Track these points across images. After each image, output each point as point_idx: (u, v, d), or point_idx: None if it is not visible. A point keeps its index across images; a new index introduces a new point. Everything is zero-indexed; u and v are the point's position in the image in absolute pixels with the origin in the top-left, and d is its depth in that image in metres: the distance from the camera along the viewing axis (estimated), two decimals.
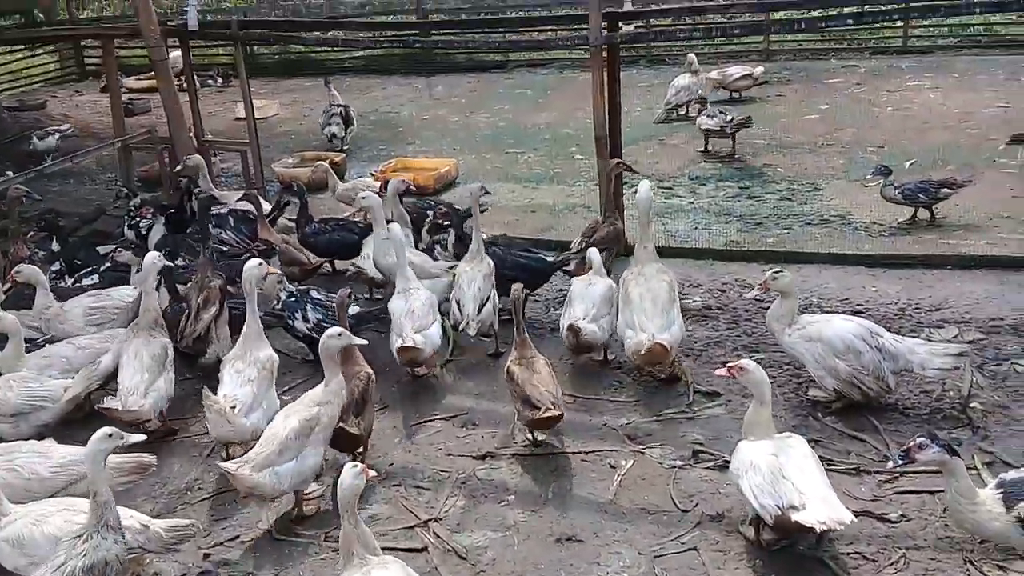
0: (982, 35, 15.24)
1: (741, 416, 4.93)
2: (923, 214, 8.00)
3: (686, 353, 6.05)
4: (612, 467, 4.90)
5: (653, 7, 16.90)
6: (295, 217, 7.95)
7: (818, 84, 13.64)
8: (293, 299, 6.26)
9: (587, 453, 5.04)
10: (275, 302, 6.35)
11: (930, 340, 5.79)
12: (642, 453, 5.00)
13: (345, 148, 11.81)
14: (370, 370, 5.13)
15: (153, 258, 5.87)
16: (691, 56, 12.59)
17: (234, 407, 4.96)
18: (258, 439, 4.67)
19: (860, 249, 7.46)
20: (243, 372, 5.14)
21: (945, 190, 7.81)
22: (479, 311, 6.01)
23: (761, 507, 3.81)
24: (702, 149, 10.80)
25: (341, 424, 4.77)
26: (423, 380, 6.00)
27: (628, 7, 14.55)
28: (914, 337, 5.87)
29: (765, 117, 12.16)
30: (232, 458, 4.81)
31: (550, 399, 4.88)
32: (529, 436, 5.17)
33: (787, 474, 3.82)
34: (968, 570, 3.87)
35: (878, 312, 6.32)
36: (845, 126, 11.24)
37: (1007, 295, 6.40)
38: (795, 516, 3.68)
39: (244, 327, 5.36)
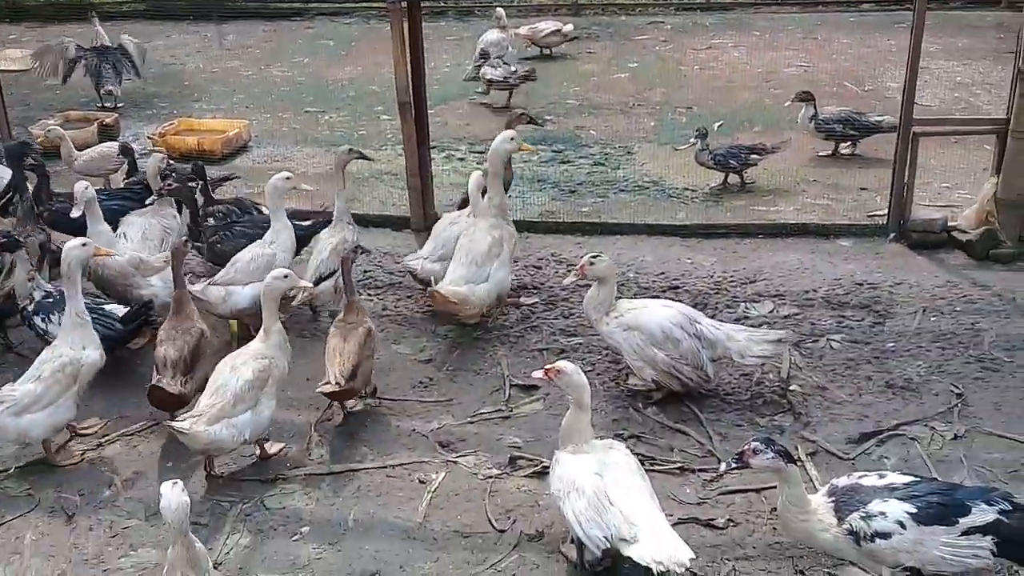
0: None
1: (560, 412, 4.54)
2: (734, 179, 7.92)
3: (501, 341, 5.61)
4: (422, 482, 4.39)
5: None
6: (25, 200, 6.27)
7: (627, 41, 13.48)
8: (50, 300, 5.29)
9: (394, 467, 4.50)
10: (27, 302, 5.36)
11: (747, 317, 5.67)
12: (455, 463, 4.51)
13: (119, 105, 10.49)
14: (204, 326, 4.89)
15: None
16: (499, 10, 12.05)
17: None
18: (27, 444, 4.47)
19: (675, 218, 7.27)
20: (39, 367, 4.56)
21: (755, 156, 7.75)
22: (315, 285, 5.50)
23: (588, 538, 3.42)
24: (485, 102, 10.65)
25: (158, 381, 4.60)
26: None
27: None
28: (731, 313, 5.76)
29: (576, 75, 11.88)
30: None
31: (336, 373, 4.57)
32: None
33: (614, 500, 3.43)
34: None
35: (695, 287, 6.13)
36: (654, 86, 11.10)
37: (818, 265, 6.37)
38: (626, 551, 3.31)
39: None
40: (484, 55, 10.88)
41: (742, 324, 5.33)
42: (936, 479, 3.98)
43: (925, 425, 4.58)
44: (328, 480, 4.44)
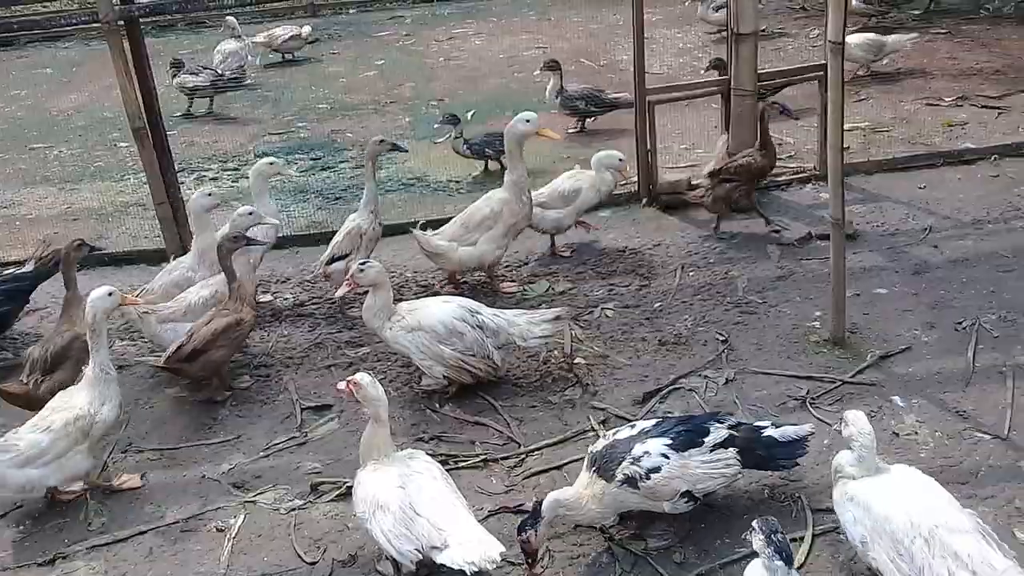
0: None
1: (356, 428, 4.47)
2: (494, 166, 8.07)
3: (285, 364, 5.41)
4: (220, 530, 4.13)
5: None
6: None
7: (370, 39, 13.39)
8: None
9: (187, 520, 4.21)
10: None
11: (525, 299, 5.81)
12: (253, 502, 4.29)
13: None
14: (81, 332, 4.72)
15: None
16: (230, 19, 11.59)
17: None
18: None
19: (444, 211, 7.29)
20: (49, 416, 4.27)
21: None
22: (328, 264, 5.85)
23: (399, 554, 3.36)
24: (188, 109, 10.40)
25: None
26: None
27: None
28: (510, 297, 5.87)
29: (324, 78, 11.66)
30: None
31: (172, 348, 4.89)
32: None
33: (420, 510, 3.39)
34: (611, 548, 3.79)
35: (473, 276, 6.18)
36: (403, 81, 11.11)
37: (583, 237, 6.61)
38: (439, 558, 3.28)
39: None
40: (177, 64, 10.36)
41: (521, 308, 5.45)
42: (673, 415, 4.38)
43: (699, 375, 4.89)
44: (115, 549, 4.08)
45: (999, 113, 8.00)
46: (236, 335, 4.97)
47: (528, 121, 5.74)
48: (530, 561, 3.54)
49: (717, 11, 10.65)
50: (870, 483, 3.33)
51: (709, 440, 3.71)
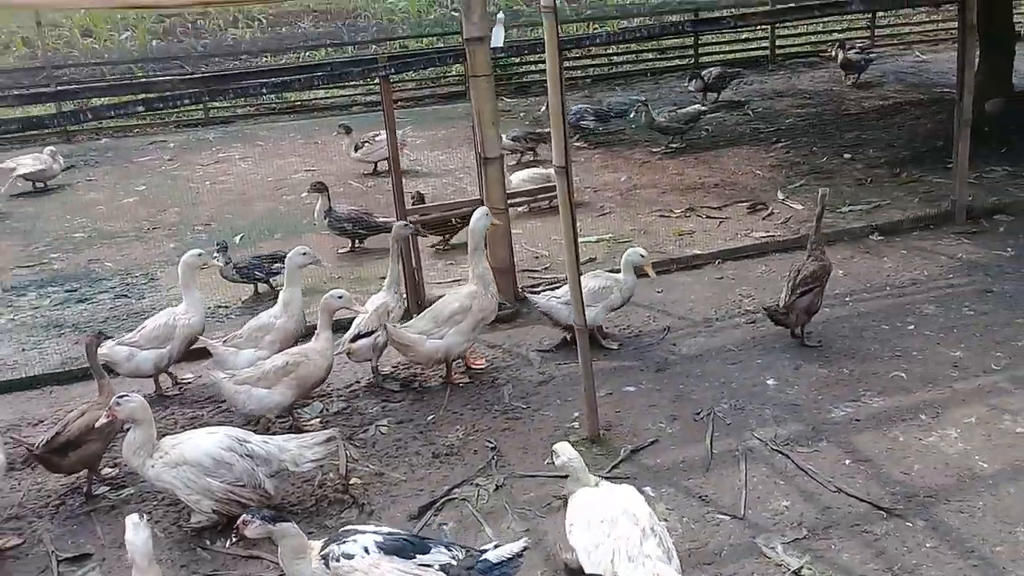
0: (276, 102, 16.29)
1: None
2: (263, 288, 8.09)
3: (39, 515, 5.07)
4: None
5: None
6: None
7: (130, 164, 13.10)
8: None
9: None
10: None
11: (299, 418, 5.83)
12: None
13: None
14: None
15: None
16: None
17: None
18: None
19: (213, 338, 7.19)
20: None
21: (278, 264, 8.00)
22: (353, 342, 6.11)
23: None
24: None
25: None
26: None
27: None
28: (284, 420, 5.87)
29: (81, 206, 11.25)
30: None
31: (42, 439, 5.05)
32: None
33: None
34: None
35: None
36: (167, 207, 10.93)
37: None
38: None
39: None
40: None
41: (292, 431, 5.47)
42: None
43: (471, 484, 5.10)
44: None
45: (720, 222, 9.08)
46: (108, 430, 5.10)
47: (486, 215, 6.20)
48: (237, 540, 3.90)
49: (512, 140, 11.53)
50: (585, 491, 4.13)
51: (422, 558, 3.79)
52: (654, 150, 12.02)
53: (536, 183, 9.47)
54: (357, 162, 11.77)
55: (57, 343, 7.35)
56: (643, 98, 12.88)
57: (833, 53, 15.62)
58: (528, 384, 6.19)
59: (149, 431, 4.73)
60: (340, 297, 5.75)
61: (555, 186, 7.43)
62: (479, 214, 6.23)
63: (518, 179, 9.73)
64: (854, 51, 15.11)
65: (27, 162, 11.78)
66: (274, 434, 5.24)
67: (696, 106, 12.53)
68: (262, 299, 7.98)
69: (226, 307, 7.94)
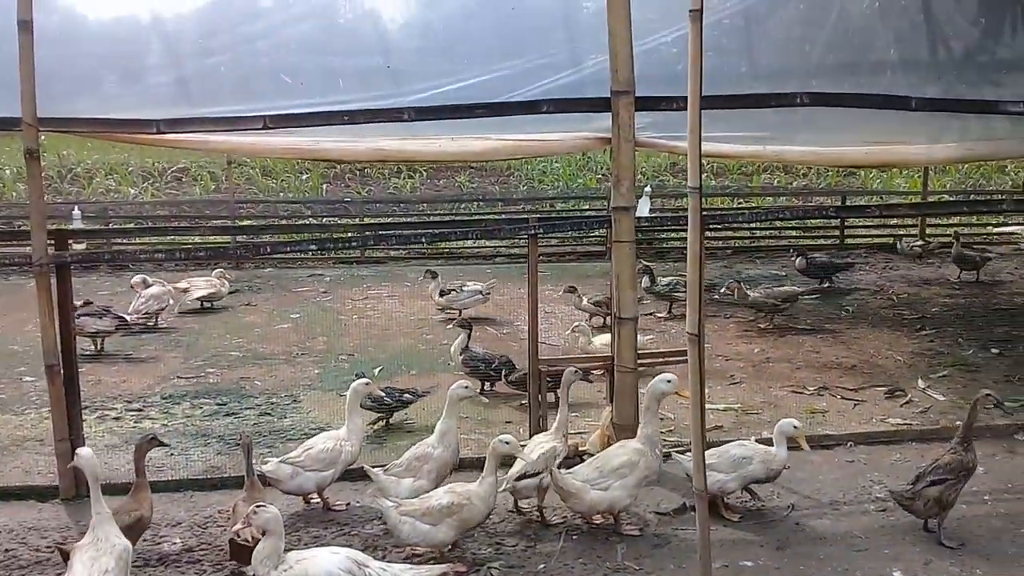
0: (426, 248, 17.24)
1: None
2: (396, 419, 8.46)
3: None
4: None
5: (111, 224, 16.24)
6: None
7: (288, 293, 14.07)
8: None
9: None
10: None
11: (416, 555, 5.97)
12: None
13: None
14: (147, 512, 5.74)
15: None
16: (139, 278, 12.27)
17: None
18: None
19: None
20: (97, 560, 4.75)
21: (408, 396, 8.38)
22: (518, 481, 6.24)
23: None
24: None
25: None
26: None
27: (77, 224, 13.75)
28: (400, 551, 6.03)
29: (239, 327, 12.11)
30: None
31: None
32: None
33: None
34: None
35: (363, 530, 6.34)
36: (317, 335, 11.65)
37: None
38: None
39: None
40: (147, 311, 10.79)
41: (410, 562, 5.62)
42: None
43: None
44: None
45: (855, 404, 8.89)
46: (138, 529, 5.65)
47: (669, 382, 6.25)
48: None
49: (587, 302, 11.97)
50: None
51: None
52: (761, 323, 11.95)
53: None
54: (439, 307, 12.48)
55: (203, 451, 7.85)
56: (741, 277, 13.00)
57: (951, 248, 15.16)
58: (643, 545, 6.15)
59: (278, 543, 4.99)
60: (507, 443, 5.93)
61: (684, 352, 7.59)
62: (660, 379, 6.32)
63: (599, 342, 9.95)
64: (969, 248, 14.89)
65: (200, 284, 12.89)
66: (391, 562, 5.41)
67: (793, 287, 12.57)
68: (392, 429, 8.31)
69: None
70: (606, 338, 10.05)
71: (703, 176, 5.05)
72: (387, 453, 7.80)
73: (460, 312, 12.01)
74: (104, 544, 4.83)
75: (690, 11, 4.40)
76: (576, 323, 10.40)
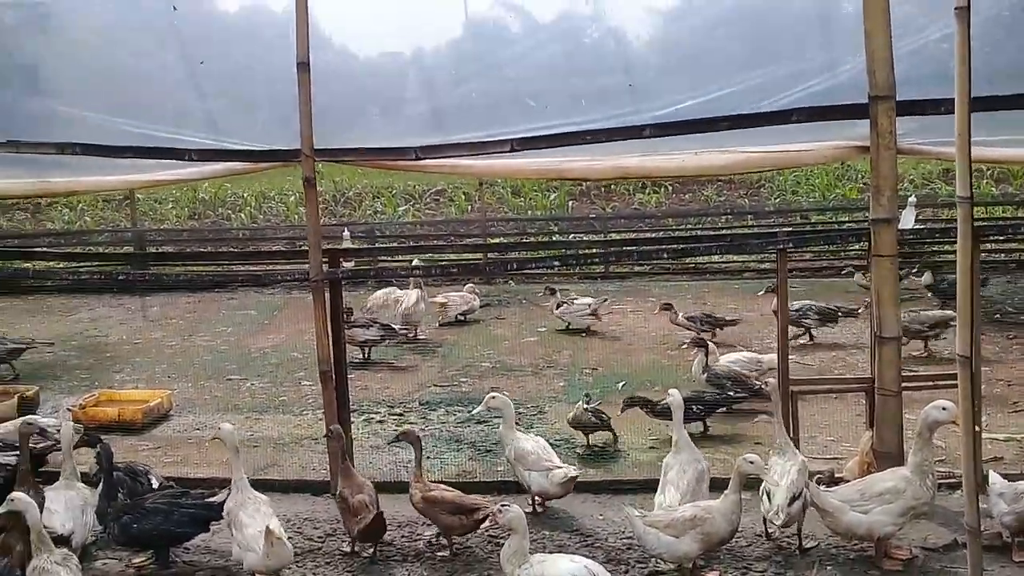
0: (671, 263, 17.08)
1: None
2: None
3: None
4: None
5: (377, 242, 17.58)
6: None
7: (535, 307, 14.49)
8: None
9: None
10: None
11: (658, 572, 5.93)
12: None
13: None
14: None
15: None
16: (411, 288, 13.08)
17: None
18: None
19: (585, 475, 7.63)
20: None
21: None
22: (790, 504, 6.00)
23: None
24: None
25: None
26: None
27: (347, 243, 15.02)
28: (642, 568, 6.01)
29: (489, 339, 12.65)
30: None
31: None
32: None
33: None
34: None
35: (606, 543, 6.39)
36: (562, 348, 11.90)
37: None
38: None
39: None
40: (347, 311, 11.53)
41: None
42: None
43: None
44: None
45: None
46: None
47: (944, 409, 5.88)
48: None
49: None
50: None
51: None
52: None
53: (746, 367, 9.41)
54: (556, 319, 12.77)
55: (455, 456, 8.27)
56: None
57: None
58: None
59: (522, 542, 5.18)
60: (752, 462, 5.81)
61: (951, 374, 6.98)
62: (935, 407, 5.90)
63: (725, 361, 9.58)
64: None
65: (456, 300, 13.62)
66: None
67: (944, 311, 10.95)
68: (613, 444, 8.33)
69: (602, 447, 8.37)
70: (733, 356, 9.75)
71: (978, 183, 4.64)
72: (628, 468, 7.81)
73: (568, 324, 12.50)
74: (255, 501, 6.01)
75: (955, 8, 4.09)
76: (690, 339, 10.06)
